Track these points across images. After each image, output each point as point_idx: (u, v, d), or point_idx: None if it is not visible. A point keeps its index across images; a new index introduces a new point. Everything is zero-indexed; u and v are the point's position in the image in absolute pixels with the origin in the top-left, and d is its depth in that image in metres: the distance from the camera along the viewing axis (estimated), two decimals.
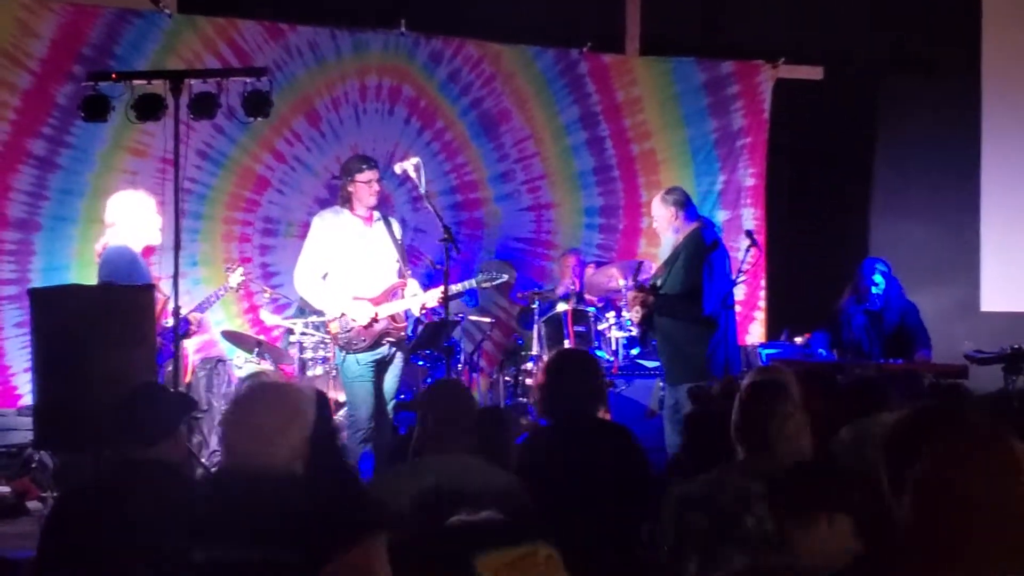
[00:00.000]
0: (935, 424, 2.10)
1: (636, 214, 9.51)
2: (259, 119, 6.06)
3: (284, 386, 3.30)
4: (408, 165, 6.36)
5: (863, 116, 9.92)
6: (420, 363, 7.87)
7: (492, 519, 2.05)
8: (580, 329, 7.75)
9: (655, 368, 7.40)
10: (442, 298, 6.26)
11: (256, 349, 7.46)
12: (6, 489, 6.66)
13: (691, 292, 6.12)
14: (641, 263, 7.28)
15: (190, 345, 7.17)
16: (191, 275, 7.79)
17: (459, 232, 8.44)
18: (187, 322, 6.49)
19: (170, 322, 5.77)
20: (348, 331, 6.31)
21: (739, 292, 8.02)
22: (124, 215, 6.14)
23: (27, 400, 7.13)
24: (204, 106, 5.79)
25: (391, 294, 6.47)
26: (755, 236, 7.14)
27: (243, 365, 7.49)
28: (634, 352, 7.88)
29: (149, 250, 6.24)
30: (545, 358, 7.57)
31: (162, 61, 7.88)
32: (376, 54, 8.73)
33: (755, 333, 9.63)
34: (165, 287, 5.98)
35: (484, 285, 6.84)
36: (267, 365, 7.39)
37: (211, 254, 8.23)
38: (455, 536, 1.98)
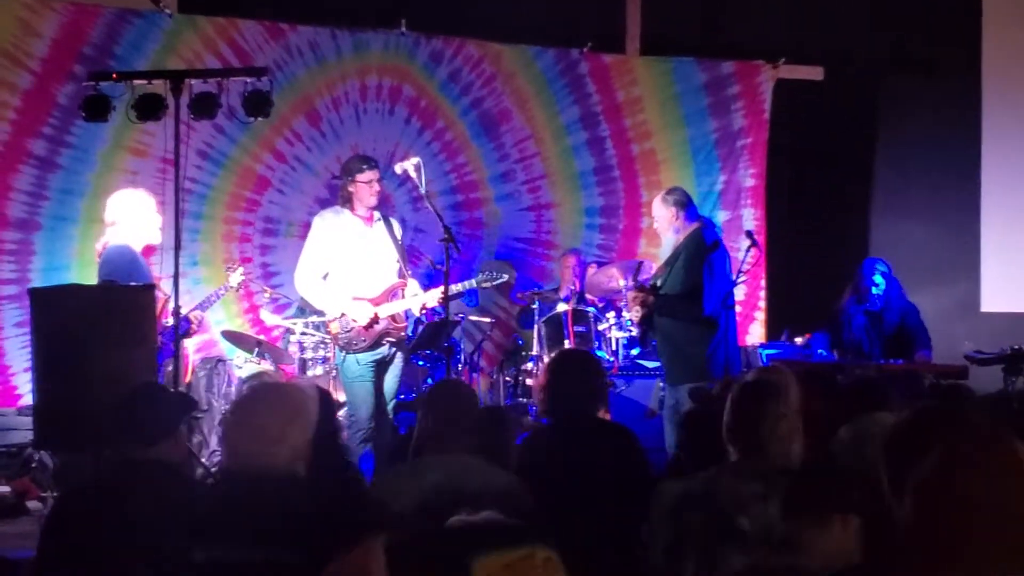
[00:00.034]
0: (936, 425, 2.10)
1: (636, 214, 9.51)
2: (259, 119, 6.06)
3: (287, 387, 3.31)
4: (408, 165, 6.36)
5: (863, 116, 9.93)
6: (420, 363, 7.87)
7: (491, 519, 2.05)
8: (580, 329, 7.75)
9: (655, 368, 7.40)
10: (442, 298, 6.26)
11: (256, 349, 7.46)
12: (6, 489, 6.66)
13: (691, 292, 6.12)
14: (641, 263, 7.29)
15: (190, 345, 7.17)
16: (191, 275, 7.79)
17: (459, 232, 8.44)
18: (188, 321, 6.49)
19: (171, 321, 5.77)
20: (348, 331, 6.31)
21: (739, 292, 8.02)
22: (124, 214, 6.13)
23: (27, 400, 7.13)
24: (204, 106, 5.78)
25: (391, 294, 6.47)
26: (755, 236, 7.14)
27: (243, 365, 7.49)
28: (634, 352, 7.88)
29: (150, 249, 6.24)
30: (546, 358, 7.60)
31: (163, 61, 7.88)
32: (376, 54, 8.73)
33: (755, 333, 9.63)
34: (165, 286, 5.98)
35: (484, 285, 6.84)
36: (267, 365, 7.39)
37: (211, 254, 8.23)
38: (452, 538, 1.98)
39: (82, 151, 7.78)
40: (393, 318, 6.40)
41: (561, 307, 8.11)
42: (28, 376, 6.44)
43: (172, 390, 5.21)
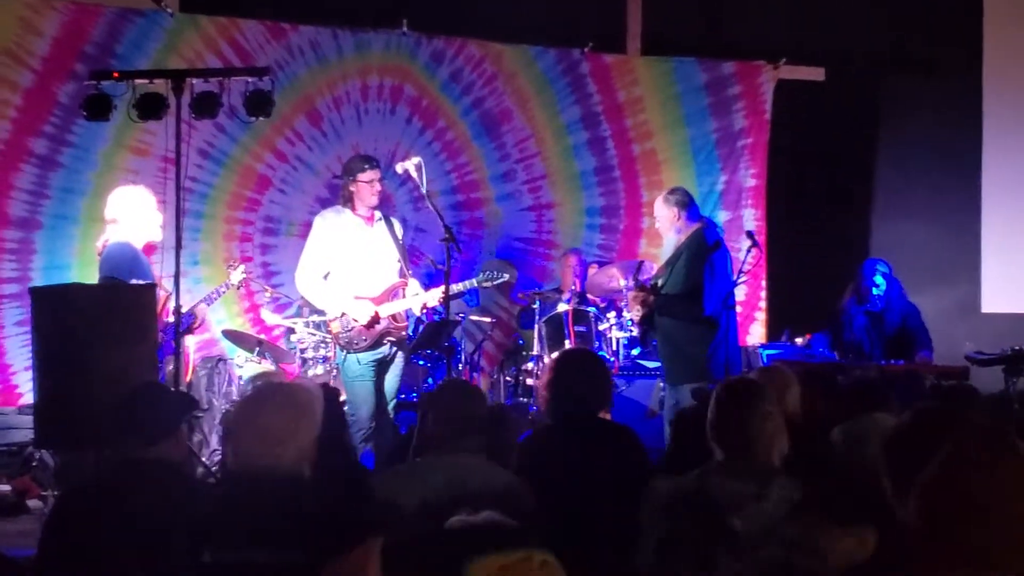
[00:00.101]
0: (939, 426, 2.10)
1: (637, 214, 9.51)
2: (261, 118, 6.06)
3: (292, 386, 3.30)
4: (409, 165, 6.36)
5: (864, 117, 9.93)
6: (421, 363, 7.87)
7: (491, 520, 2.05)
8: (581, 329, 7.74)
9: (656, 368, 7.40)
10: (443, 298, 6.27)
11: (257, 348, 7.46)
12: (7, 487, 6.67)
13: (692, 292, 6.12)
14: (641, 263, 7.29)
15: (191, 344, 7.17)
16: (192, 274, 7.79)
17: (460, 232, 8.44)
18: (191, 315, 6.50)
19: (172, 318, 5.77)
20: (349, 330, 6.32)
21: (740, 293, 8.02)
22: (125, 212, 6.14)
23: (28, 399, 7.13)
24: (206, 105, 5.79)
25: (392, 294, 6.47)
26: (756, 237, 7.14)
27: (244, 364, 7.49)
28: (635, 352, 7.89)
29: (151, 248, 6.24)
30: (547, 358, 7.60)
31: (164, 60, 7.88)
32: (378, 54, 8.72)
33: (756, 334, 9.63)
34: (167, 285, 5.99)
35: (485, 285, 6.84)
36: (268, 364, 7.39)
37: (212, 253, 8.23)
38: (448, 540, 1.98)
39: (83, 150, 7.78)
40: (394, 317, 6.41)
41: (562, 307, 8.11)
42: (29, 375, 6.43)
43: (173, 389, 5.22)
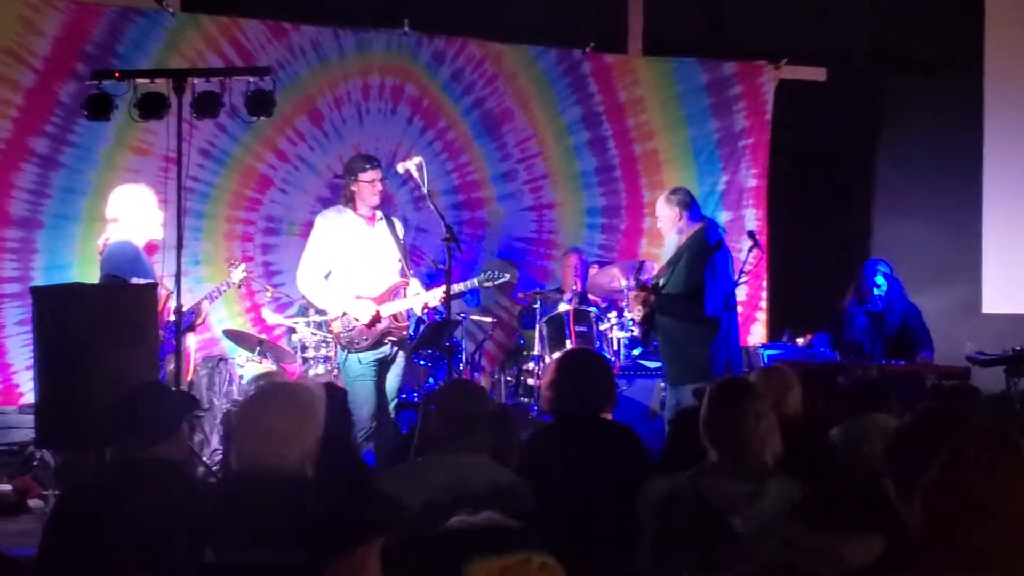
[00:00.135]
0: (941, 428, 2.10)
1: (638, 214, 9.51)
2: (262, 118, 6.06)
3: (295, 386, 3.30)
4: (411, 164, 6.36)
5: (865, 117, 9.92)
6: (422, 362, 7.88)
7: (491, 520, 2.05)
8: (582, 329, 7.74)
9: (656, 368, 7.40)
10: (444, 297, 6.27)
11: (258, 348, 7.46)
12: (8, 487, 6.67)
13: (693, 292, 6.12)
14: (643, 263, 7.29)
15: (192, 343, 7.17)
16: (193, 273, 7.79)
17: (461, 231, 8.44)
18: (194, 312, 6.51)
19: (174, 317, 5.77)
20: (350, 330, 6.32)
21: (741, 293, 8.01)
22: (127, 210, 6.14)
23: (29, 398, 7.13)
24: (207, 105, 5.79)
25: (393, 293, 6.48)
26: (757, 237, 7.14)
27: (245, 364, 7.49)
28: (636, 352, 7.88)
29: (152, 247, 6.24)
30: (548, 358, 7.60)
31: (165, 60, 7.88)
32: (379, 53, 8.72)
33: (757, 334, 9.64)
34: (168, 283, 5.99)
35: (486, 285, 6.84)
36: (269, 364, 7.39)
37: (213, 253, 8.23)
38: (448, 541, 1.97)
39: (84, 149, 7.78)
40: (395, 317, 6.41)
41: (563, 307, 8.11)
42: (30, 374, 6.44)
43: (174, 389, 5.22)
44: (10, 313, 7.63)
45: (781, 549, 2.81)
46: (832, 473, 3.50)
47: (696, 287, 6.12)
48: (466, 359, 8.44)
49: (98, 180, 7.74)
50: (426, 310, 6.66)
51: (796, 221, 9.67)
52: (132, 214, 6.12)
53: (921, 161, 9.59)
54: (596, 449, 4.01)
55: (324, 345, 7.47)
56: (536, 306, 8.26)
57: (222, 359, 7.68)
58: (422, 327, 7.29)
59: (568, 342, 7.63)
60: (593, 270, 8.62)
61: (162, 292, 5.88)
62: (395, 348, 6.46)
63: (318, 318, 7.32)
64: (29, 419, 6.44)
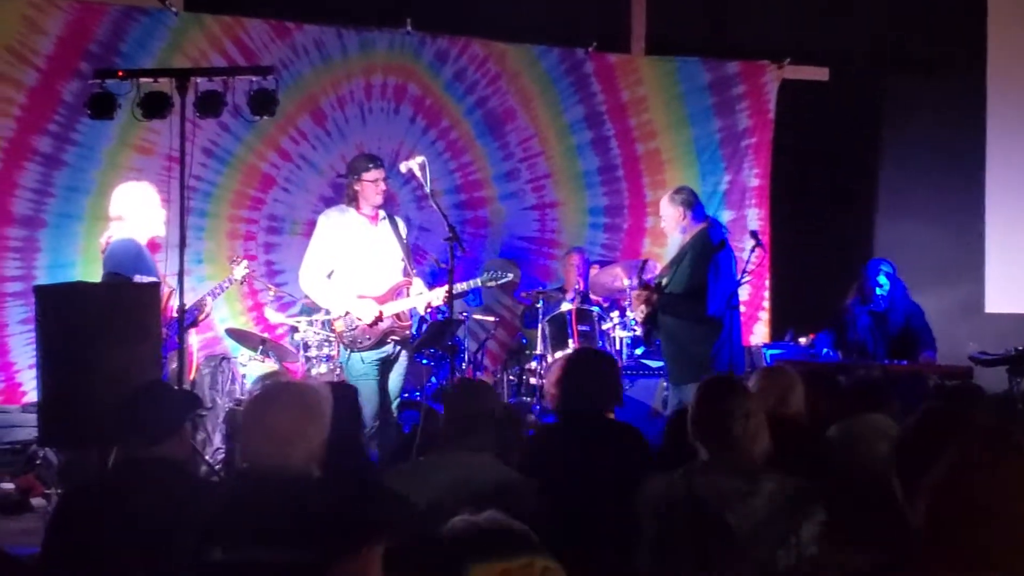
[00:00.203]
0: (946, 428, 2.10)
1: (640, 214, 9.51)
2: (265, 117, 6.06)
3: (301, 386, 3.29)
4: (413, 164, 6.37)
5: (868, 117, 9.92)
6: (424, 362, 7.87)
7: (493, 520, 2.04)
8: (584, 328, 7.74)
9: (659, 368, 7.39)
10: (447, 297, 6.27)
11: (260, 347, 7.46)
12: (10, 485, 6.68)
13: (696, 291, 6.12)
14: (646, 261, 7.29)
15: (194, 342, 7.18)
16: (196, 272, 7.78)
17: (463, 231, 8.45)
18: (197, 308, 6.51)
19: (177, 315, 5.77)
20: (353, 329, 6.32)
21: (743, 292, 8.00)
22: (130, 208, 6.15)
23: (32, 397, 7.15)
24: (210, 104, 5.78)
25: (396, 293, 6.48)
26: (759, 236, 7.13)
27: (248, 363, 7.49)
28: (638, 352, 7.88)
29: (155, 245, 6.25)
30: (550, 357, 7.59)
31: (168, 59, 7.89)
32: (382, 53, 8.73)
33: (759, 333, 9.64)
34: (171, 282, 5.99)
35: (489, 284, 6.84)
36: (272, 363, 7.39)
37: (216, 252, 8.23)
38: (450, 544, 1.96)
39: (87, 149, 7.79)
40: (398, 316, 6.41)
41: (565, 306, 8.10)
42: (33, 373, 6.44)
43: (176, 388, 5.22)
44: (13, 312, 7.65)
45: (777, 545, 2.82)
46: (829, 473, 3.50)
47: (699, 286, 6.12)
48: (468, 358, 8.43)
49: (101, 179, 7.75)
50: (429, 309, 6.66)
51: (799, 221, 9.66)
52: (135, 212, 6.14)
53: (924, 161, 9.58)
54: (601, 448, 4.02)
55: (327, 344, 7.47)
56: (538, 305, 8.25)
57: (225, 358, 7.68)
58: (425, 326, 7.29)
59: (570, 341, 7.63)
60: (594, 271, 8.61)
61: (165, 289, 5.89)
62: (398, 347, 6.46)
63: (321, 317, 7.33)
64: (32, 418, 6.44)
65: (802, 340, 7.82)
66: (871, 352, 7.28)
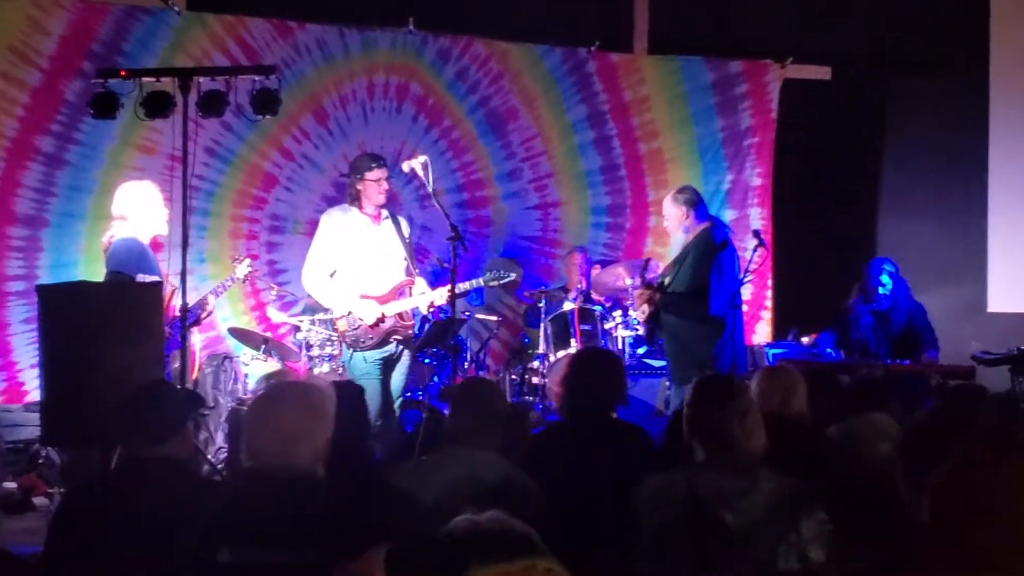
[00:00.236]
0: (950, 428, 2.10)
1: (643, 213, 9.51)
2: (267, 117, 6.06)
3: (306, 386, 3.30)
4: (416, 163, 6.37)
5: (871, 116, 9.91)
6: (427, 361, 7.88)
7: (496, 519, 2.03)
8: (587, 328, 7.73)
9: (661, 367, 7.39)
10: (449, 296, 6.27)
11: (263, 346, 7.47)
12: (13, 485, 6.68)
13: (699, 291, 6.12)
14: (648, 260, 7.26)
15: (197, 341, 7.18)
16: (198, 272, 7.78)
17: (466, 230, 8.44)
18: (200, 307, 6.52)
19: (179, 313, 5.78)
20: (355, 329, 6.32)
21: (746, 292, 8.00)
22: (133, 208, 6.16)
23: (34, 396, 7.16)
24: (213, 104, 5.78)
25: (398, 292, 6.48)
26: (762, 236, 7.12)
27: (250, 362, 7.50)
28: (641, 351, 7.87)
29: (158, 244, 6.25)
30: (552, 357, 7.60)
31: (171, 58, 7.89)
32: (384, 52, 8.73)
33: (762, 333, 9.63)
34: (173, 281, 6.00)
35: (491, 284, 6.84)
36: (274, 362, 7.39)
37: (218, 251, 8.23)
38: (452, 546, 1.96)
39: (90, 148, 7.79)
40: (400, 316, 6.41)
41: (568, 305, 8.10)
42: (35, 372, 6.46)
43: (179, 387, 5.22)
44: (16, 311, 7.64)
45: (777, 543, 2.82)
46: (829, 472, 3.50)
47: (701, 286, 6.11)
48: (471, 358, 8.43)
49: (104, 178, 7.75)
50: (431, 309, 6.66)
51: (801, 220, 9.66)
52: (138, 211, 6.14)
53: (926, 160, 9.58)
54: (605, 448, 4.02)
55: (329, 343, 7.47)
56: (541, 305, 8.25)
57: (227, 357, 7.69)
58: (427, 326, 7.29)
59: (573, 341, 7.63)
60: (596, 270, 8.62)
61: (167, 289, 5.89)
62: (400, 347, 6.46)
63: (324, 316, 7.33)
64: (34, 417, 6.46)
65: (804, 340, 7.82)
66: (874, 351, 7.28)
